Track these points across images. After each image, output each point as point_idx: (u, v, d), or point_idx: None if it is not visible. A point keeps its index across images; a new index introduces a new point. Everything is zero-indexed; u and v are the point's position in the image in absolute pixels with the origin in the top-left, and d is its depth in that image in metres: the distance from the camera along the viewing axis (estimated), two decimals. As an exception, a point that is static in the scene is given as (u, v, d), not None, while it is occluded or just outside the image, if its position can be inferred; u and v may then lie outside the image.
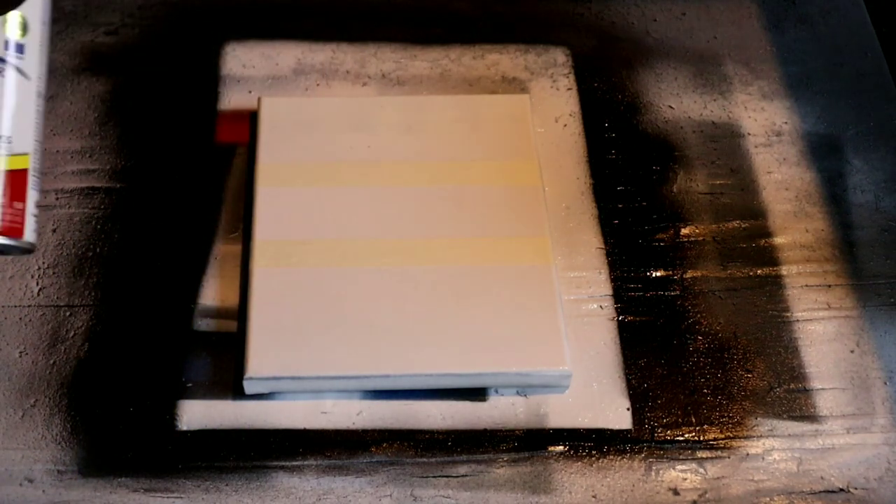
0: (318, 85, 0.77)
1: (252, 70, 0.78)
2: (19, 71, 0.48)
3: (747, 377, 0.66)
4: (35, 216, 0.48)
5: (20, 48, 0.48)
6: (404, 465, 0.61)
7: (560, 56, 0.80)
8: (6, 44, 0.48)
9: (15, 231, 0.48)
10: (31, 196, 0.48)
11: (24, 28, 0.48)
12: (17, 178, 0.48)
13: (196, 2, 0.81)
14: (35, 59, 0.49)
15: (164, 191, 0.71)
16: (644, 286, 0.69)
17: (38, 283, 0.66)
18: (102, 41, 0.78)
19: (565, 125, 0.76)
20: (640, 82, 0.80)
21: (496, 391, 0.64)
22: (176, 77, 0.77)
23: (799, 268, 0.71)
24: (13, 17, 0.47)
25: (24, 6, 0.46)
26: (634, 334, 0.67)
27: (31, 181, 0.48)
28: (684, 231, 0.72)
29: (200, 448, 0.61)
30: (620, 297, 0.69)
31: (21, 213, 0.48)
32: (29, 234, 0.49)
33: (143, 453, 0.61)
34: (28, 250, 0.49)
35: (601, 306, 0.68)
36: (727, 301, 0.69)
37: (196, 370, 0.63)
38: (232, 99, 0.76)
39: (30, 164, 0.49)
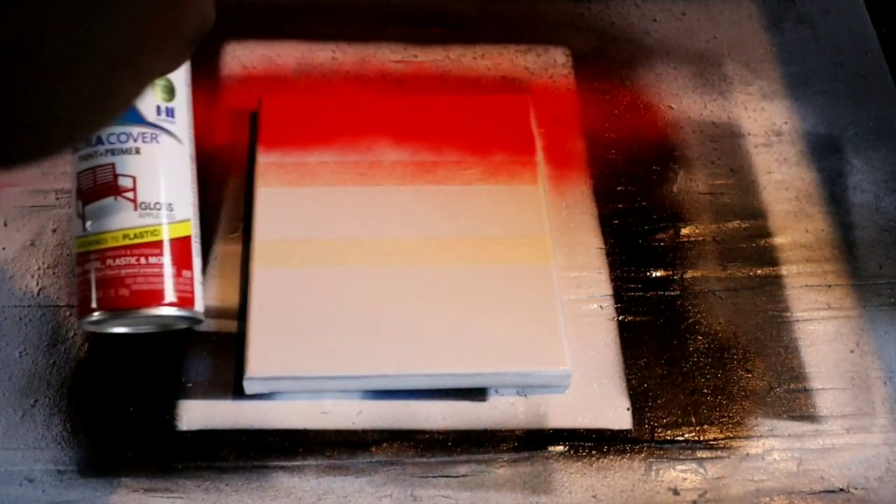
0: (318, 85, 0.77)
1: (252, 70, 0.78)
2: (172, 135, 0.47)
3: (747, 377, 0.66)
4: (201, 284, 0.46)
5: (170, 112, 0.47)
6: (404, 465, 0.61)
7: (560, 56, 0.80)
8: (157, 109, 0.46)
9: (186, 301, 0.46)
10: (196, 264, 0.47)
11: (172, 92, 0.47)
12: (182, 246, 0.46)
13: (196, 2, 0.81)
14: (185, 123, 0.47)
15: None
16: (644, 286, 0.69)
17: (38, 283, 0.66)
18: (102, 41, 0.78)
19: (565, 126, 0.76)
20: (640, 82, 0.80)
21: (496, 391, 0.64)
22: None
23: (799, 268, 0.71)
24: (162, 81, 0.46)
25: None
26: (634, 334, 0.67)
27: (195, 248, 0.47)
28: (684, 231, 0.72)
29: (200, 448, 0.61)
30: (620, 297, 0.69)
31: (190, 283, 0.46)
32: (199, 304, 0.47)
33: (143, 453, 0.61)
34: (199, 321, 0.47)
35: (601, 306, 0.68)
36: (727, 301, 0.69)
37: (196, 370, 0.63)
38: (232, 99, 0.76)
39: (190, 230, 0.47)
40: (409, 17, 0.82)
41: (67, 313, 0.65)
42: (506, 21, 0.83)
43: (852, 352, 0.67)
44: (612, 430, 0.63)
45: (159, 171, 0.46)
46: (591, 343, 0.66)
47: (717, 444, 0.63)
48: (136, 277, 0.45)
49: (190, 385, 0.63)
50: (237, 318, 0.65)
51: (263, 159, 0.69)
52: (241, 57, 0.78)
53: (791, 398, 0.65)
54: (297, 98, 0.75)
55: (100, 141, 0.46)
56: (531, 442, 0.62)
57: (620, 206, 0.73)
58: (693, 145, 0.76)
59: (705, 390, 0.65)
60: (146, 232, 0.45)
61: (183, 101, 0.47)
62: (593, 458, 0.62)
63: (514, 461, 0.62)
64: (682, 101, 0.79)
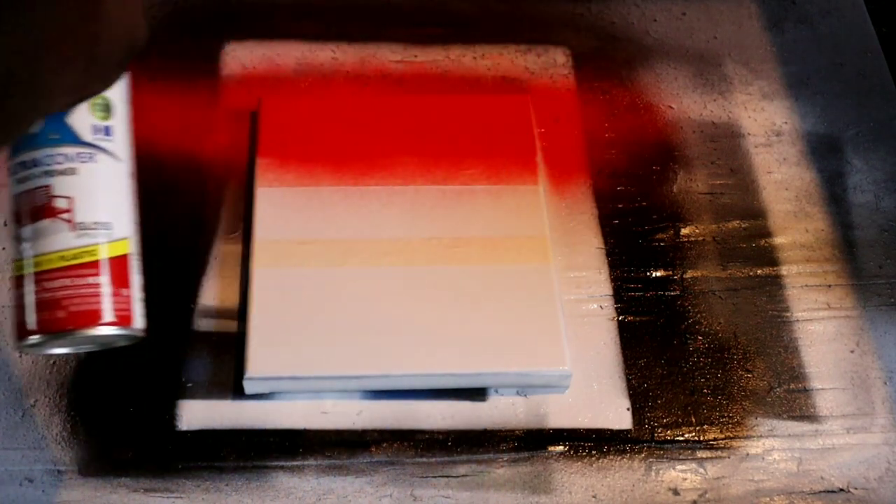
0: (318, 85, 0.77)
1: (252, 70, 0.78)
2: (110, 154, 0.47)
3: (747, 377, 0.66)
4: (141, 301, 0.47)
5: (107, 130, 0.47)
6: (404, 465, 0.61)
7: (560, 56, 0.80)
8: (94, 128, 0.47)
9: (124, 320, 0.47)
10: (135, 281, 0.47)
11: (109, 109, 0.47)
12: (120, 265, 0.47)
13: (196, 2, 0.81)
14: (123, 140, 0.47)
15: (164, 191, 0.71)
16: (644, 286, 0.69)
17: (38, 283, 0.66)
18: (102, 41, 0.78)
19: (565, 126, 0.76)
20: (640, 82, 0.80)
21: (496, 391, 0.64)
22: (176, 77, 0.77)
23: (799, 268, 0.71)
24: (98, 100, 0.47)
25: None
26: (634, 334, 0.67)
27: (133, 265, 0.47)
28: (684, 231, 0.72)
29: (200, 448, 0.61)
30: (620, 297, 0.69)
31: (128, 301, 0.47)
32: (137, 322, 0.47)
33: (143, 453, 0.61)
34: (137, 338, 0.48)
35: (601, 306, 0.68)
36: (727, 301, 0.69)
37: (196, 370, 0.63)
38: (232, 99, 0.76)
39: (129, 248, 0.47)
40: (409, 17, 0.82)
41: (67, 313, 0.65)
42: (506, 21, 0.83)
43: (852, 352, 0.67)
44: (612, 430, 0.63)
45: (97, 190, 0.46)
46: (591, 343, 0.66)
47: (717, 444, 0.63)
48: (73, 299, 0.45)
49: (190, 385, 0.63)
50: (237, 318, 0.65)
51: (263, 159, 0.69)
52: (241, 57, 0.78)
53: (791, 398, 0.65)
54: (297, 98, 0.75)
55: (35, 163, 0.46)
56: (531, 442, 0.62)
57: (620, 206, 0.73)
58: (693, 145, 0.76)
59: (705, 390, 0.65)
60: (83, 252, 0.46)
61: (121, 119, 0.47)
62: (593, 458, 0.62)
63: (514, 461, 0.62)
64: (682, 101, 0.79)
